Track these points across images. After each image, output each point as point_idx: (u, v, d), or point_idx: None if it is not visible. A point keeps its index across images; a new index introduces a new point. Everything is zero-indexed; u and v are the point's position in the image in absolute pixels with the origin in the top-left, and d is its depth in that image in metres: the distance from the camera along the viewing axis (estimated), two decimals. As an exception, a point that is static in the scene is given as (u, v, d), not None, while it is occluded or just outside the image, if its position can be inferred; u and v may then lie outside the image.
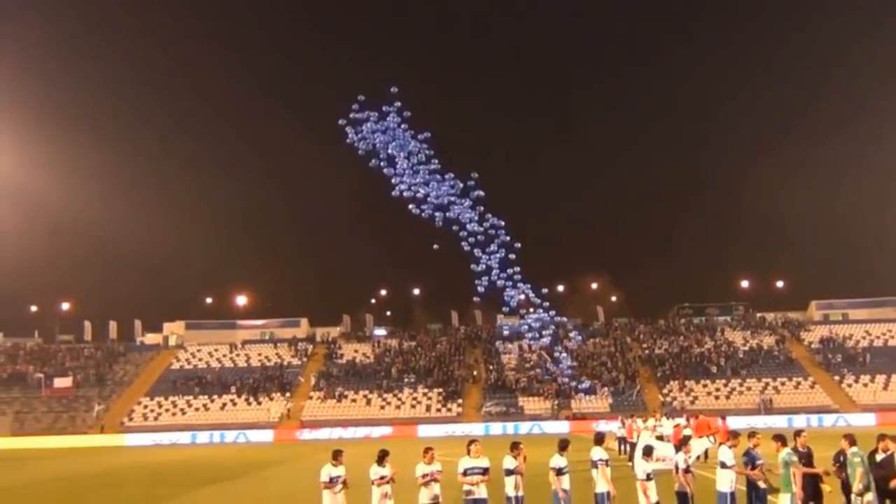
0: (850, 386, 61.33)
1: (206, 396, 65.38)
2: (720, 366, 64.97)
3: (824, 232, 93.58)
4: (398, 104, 38.06)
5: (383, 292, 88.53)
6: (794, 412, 55.74)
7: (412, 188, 37.31)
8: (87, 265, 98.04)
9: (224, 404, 64.64)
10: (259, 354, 72.47)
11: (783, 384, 62.15)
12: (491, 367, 67.46)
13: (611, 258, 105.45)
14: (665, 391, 61.70)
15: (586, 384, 61.30)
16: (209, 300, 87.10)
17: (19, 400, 66.03)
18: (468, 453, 13.77)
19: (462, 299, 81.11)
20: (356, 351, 71.95)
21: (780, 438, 13.47)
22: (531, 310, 54.08)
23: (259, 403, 64.17)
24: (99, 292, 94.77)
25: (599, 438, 14.88)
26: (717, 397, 60.90)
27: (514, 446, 14.18)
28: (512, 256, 50.03)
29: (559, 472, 13.88)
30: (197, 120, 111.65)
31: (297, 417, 61.74)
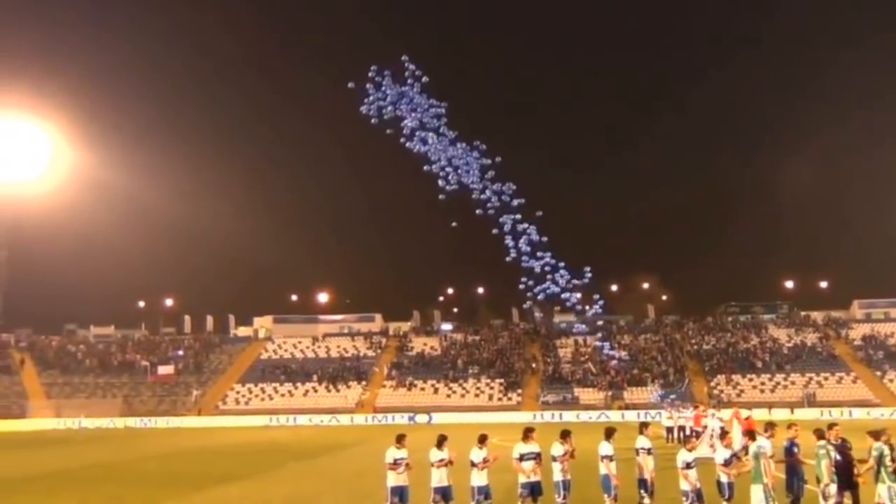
0: (891, 381, 58.92)
1: (290, 384, 66.40)
2: (765, 361, 63.16)
3: (867, 234, 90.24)
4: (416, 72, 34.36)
5: (450, 290, 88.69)
6: (836, 406, 53.78)
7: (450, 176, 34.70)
8: (188, 266, 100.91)
9: (306, 391, 65.54)
10: (338, 346, 73.27)
11: (826, 379, 60.07)
12: (548, 360, 66.92)
13: (661, 259, 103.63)
14: (713, 384, 60.28)
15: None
16: (294, 297, 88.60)
17: (128, 385, 68.03)
18: (524, 440, 13.74)
19: (523, 298, 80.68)
20: (425, 344, 72.16)
21: (770, 427, 13.22)
22: (586, 308, 53.10)
23: (337, 391, 64.89)
24: (198, 290, 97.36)
25: (643, 428, 14.64)
26: (762, 391, 59.23)
27: (564, 434, 14.07)
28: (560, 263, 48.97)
29: (606, 458, 13.74)
30: (286, 127, 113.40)
31: (371, 404, 62.24)
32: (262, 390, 65.81)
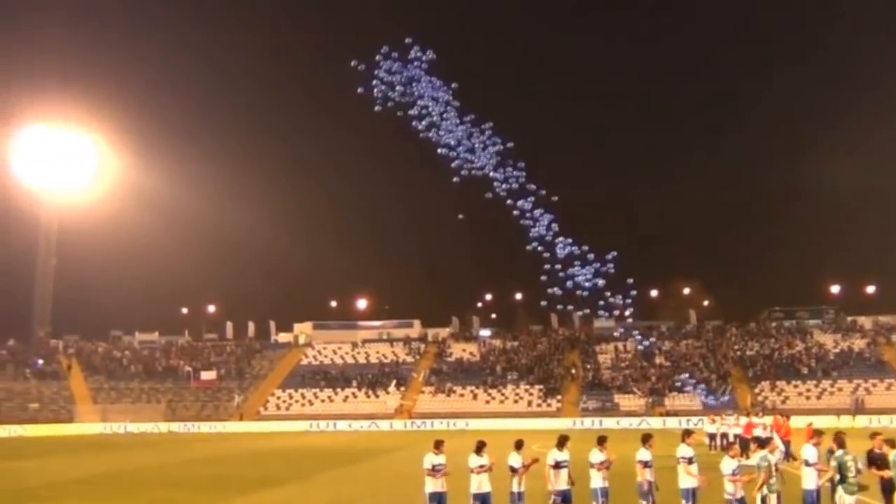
0: (943, 388, 57.36)
1: (330, 389, 66.91)
2: (811, 367, 61.88)
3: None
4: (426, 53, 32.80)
5: (488, 296, 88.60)
6: (885, 413, 52.48)
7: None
8: (230, 272, 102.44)
9: (346, 397, 66.00)
10: (377, 352, 73.64)
11: (874, 385, 58.60)
12: (588, 366, 66.46)
13: (703, 263, 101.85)
14: (757, 391, 59.28)
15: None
16: (334, 303, 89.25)
17: (171, 390, 69.15)
18: (559, 447, 13.72)
19: (562, 303, 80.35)
20: (464, 350, 72.17)
21: (757, 441, 13.02)
22: (625, 314, 52.69)
23: (377, 396, 65.21)
24: (240, 296, 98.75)
25: (686, 436, 14.46)
26: (807, 398, 58.04)
27: (601, 440, 14.02)
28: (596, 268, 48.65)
29: (644, 464, 13.64)
30: (323, 135, 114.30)
31: (410, 410, 62.43)
32: (303, 396, 66.43)
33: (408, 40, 32.53)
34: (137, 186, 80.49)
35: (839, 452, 12.48)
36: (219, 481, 25.59)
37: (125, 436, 57.26)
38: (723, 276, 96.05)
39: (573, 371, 65.87)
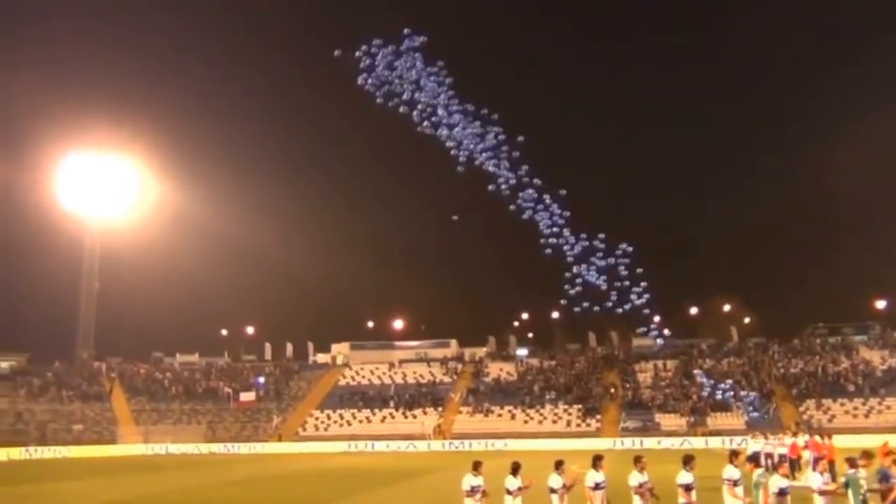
0: None
1: (367, 410, 66.98)
2: (857, 385, 60.35)
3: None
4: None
5: (525, 315, 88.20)
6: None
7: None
8: (268, 294, 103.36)
9: (383, 417, 65.99)
10: (414, 372, 73.60)
11: (925, 403, 56.99)
12: (627, 385, 65.64)
13: (743, 279, 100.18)
14: (802, 409, 57.97)
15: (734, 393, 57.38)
16: (371, 324, 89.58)
17: (212, 411, 69.79)
18: (594, 467, 13.53)
19: (599, 321, 79.60)
20: (501, 369, 71.80)
21: (753, 460, 12.66)
22: (664, 331, 51.91)
23: (414, 417, 65.10)
24: (278, 318, 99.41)
25: (733, 457, 14.13)
26: (854, 416, 56.58)
27: (637, 460, 13.75)
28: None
29: (686, 488, 13.34)
30: (359, 159, 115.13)
31: (448, 430, 62.18)
32: (341, 416, 66.57)
33: (414, 36, 31.86)
34: (177, 210, 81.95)
35: (850, 471, 12.13)
36: (260, 502, 25.69)
37: (166, 457, 57.86)
38: (764, 291, 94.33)
39: (612, 390, 65.10)
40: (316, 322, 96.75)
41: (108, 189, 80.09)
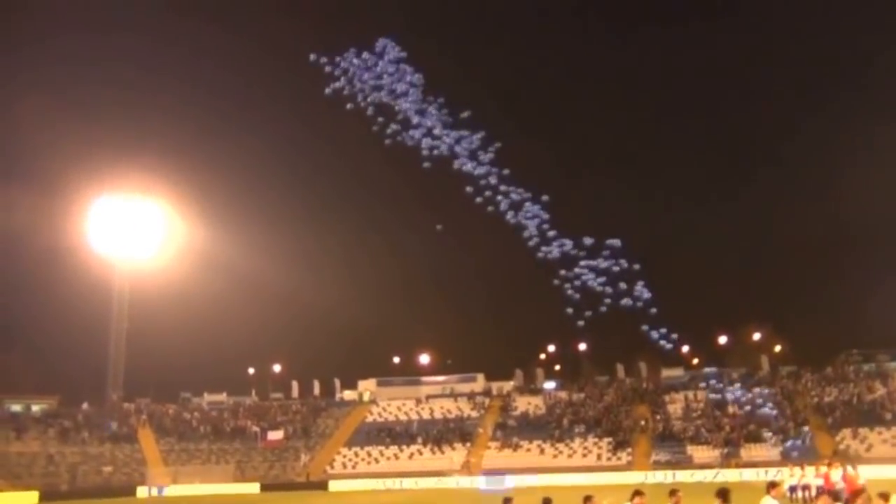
0: None
1: (395, 447, 66.66)
2: (895, 412, 59.02)
3: None
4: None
5: (552, 347, 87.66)
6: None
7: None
8: (294, 332, 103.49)
9: (411, 454, 65.61)
10: (441, 408, 73.23)
11: (966, 431, 55.53)
12: (658, 417, 64.75)
13: (773, 306, 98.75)
14: (838, 439, 56.73)
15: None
16: (397, 359, 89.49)
17: (240, 451, 69.81)
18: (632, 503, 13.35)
19: (627, 352, 79.04)
20: (529, 403, 71.24)
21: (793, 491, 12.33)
22: (693, 361, 51.54)
23: (442, 453, 64.66)
24: (304, 355, 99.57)
25: (771, 488, 13.83)
26: (893, 445, 55.19)
27: (673, 493, 13.58)
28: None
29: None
30: (386, 191, 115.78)
31: (477, 466, 61.62)
32: (368, 454, 66.29)
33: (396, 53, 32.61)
34: (204, 250, 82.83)
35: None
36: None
37: (196, 498, 57.83)
38: (795, 318, 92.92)
39: (642, 423, 64.25)
40: (342, 359, 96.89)
41: (137, 231, 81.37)
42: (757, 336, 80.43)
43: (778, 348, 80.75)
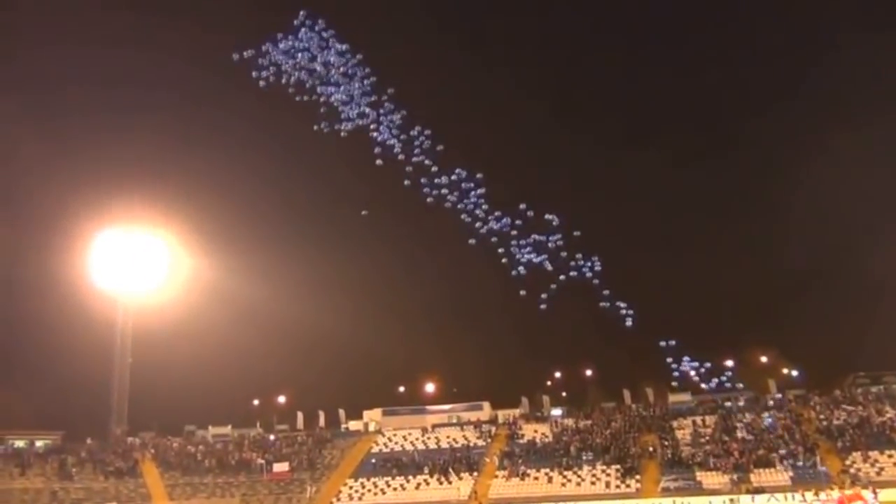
0: None
1: (402, 477, 66.28)
2: (905, 435, 58.90)
3: None
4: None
5: (557, 374, 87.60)
6: None
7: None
8: (298, 363, 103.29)
9: (418, 484, 65.28)
10: (447, 437, 72.97)
11: (978, 452, 55.36)
12: (666, 443, 64.54)
13: (780, 330, 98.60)
14: (848, 463, 56.54)
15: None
16: (402, 389, 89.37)
17: (245, 484, 69.31)
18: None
19: (634, 378, 79.01)
20: (535, 431, 71.01)
21: None
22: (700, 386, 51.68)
23: (449, 483, 64.34)
24: (309, 386, 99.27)
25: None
26: (905, 468, 55.09)
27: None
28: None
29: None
30: (384, 226, 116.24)
31: (485, 495, 61.34)
32: (375, 485, 65.95)
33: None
34: (206, 283, 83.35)
35: None
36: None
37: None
38: (801, 341, 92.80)
39: (651, 449, 64.03)
40: (347, 389, 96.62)
41: (139, 264, 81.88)
42: (764, 359, 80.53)
43: (785, 371, 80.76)
